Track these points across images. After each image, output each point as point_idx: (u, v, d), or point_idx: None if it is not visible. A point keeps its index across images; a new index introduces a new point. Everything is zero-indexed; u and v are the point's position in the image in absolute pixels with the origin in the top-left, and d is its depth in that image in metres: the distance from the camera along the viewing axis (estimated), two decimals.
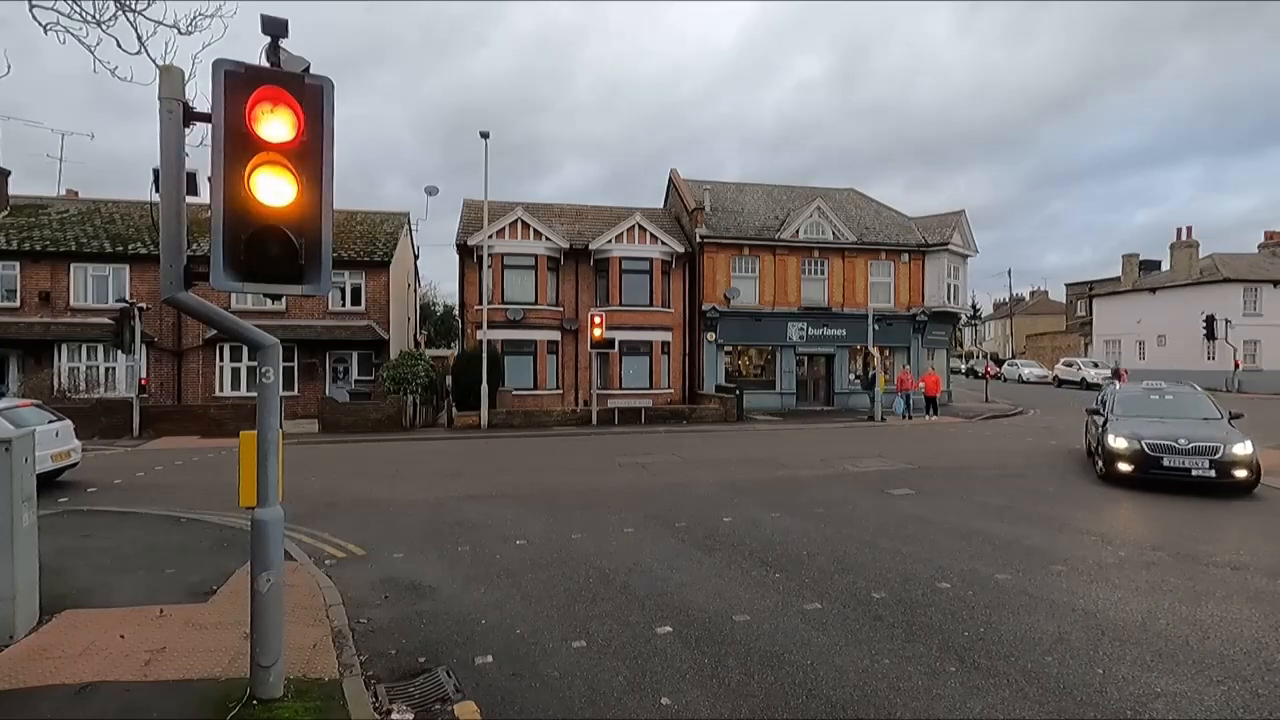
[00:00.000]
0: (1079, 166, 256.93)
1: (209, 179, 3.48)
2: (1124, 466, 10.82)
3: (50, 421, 11.21)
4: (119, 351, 20.42)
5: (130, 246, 24.06)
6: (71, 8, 4.72)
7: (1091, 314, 49.96)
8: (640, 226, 25.19)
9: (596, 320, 21.73)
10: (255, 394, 4.06)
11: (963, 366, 52.27)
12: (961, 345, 60.26)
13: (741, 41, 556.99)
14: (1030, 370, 44.74)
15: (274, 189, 3.52)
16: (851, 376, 27.33)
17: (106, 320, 20.61)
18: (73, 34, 4.79)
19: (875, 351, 25.20)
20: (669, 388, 25.76)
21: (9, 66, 4.97)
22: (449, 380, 23.91)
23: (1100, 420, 12.43)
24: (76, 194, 28.84)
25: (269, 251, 3.53)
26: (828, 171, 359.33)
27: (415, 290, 37.32)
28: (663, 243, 25.43)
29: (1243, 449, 10.35)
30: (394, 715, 4.04)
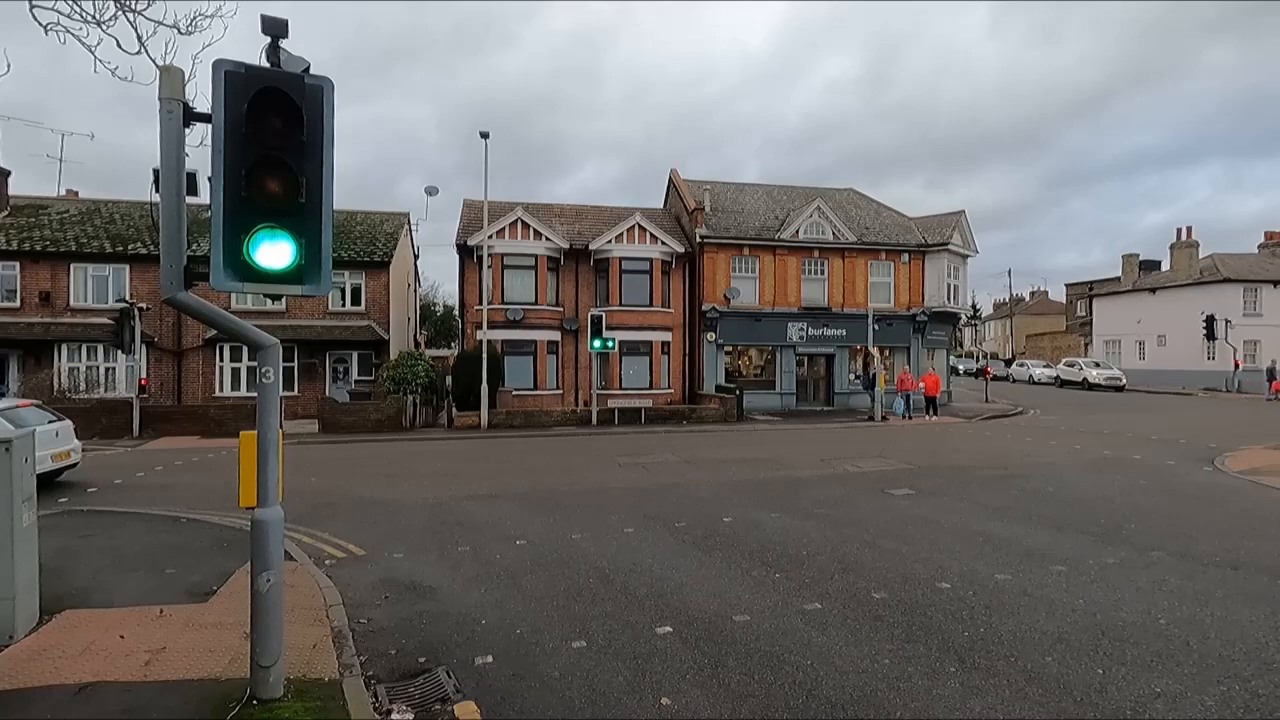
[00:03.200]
0: (1097, 167, 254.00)
1: (209, 179, 3.48)
2: None
3: (50, 422, 11.21)
4: (119, 351, 20.41)
5: (130, 246, 24.06)
6: (72, 8, 4.72)
7: (1091, 314, 49.94)
8: (640, 226, 25.18)
9: (596, 319, 21.75)
10: (255, 394, 4.06)
11: (974, 366, 50.59)
12: (961, 345, 60.08)
13: (773, 41, 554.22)
14: (1042, 370, 44.32)
15: (274, 190, 3.52)
16: (852, 377, 27.32)
17: (106, 320, 20.62)
18: (73, 34, 4.79)
19: (875, 352, 25.20)
20: (669, 388, 25.76)
21: (9, 65, 4.97)
22: (449, 380, 23.91)
23: None
24: (77, 194, 28.84)
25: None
26: (846, 172, 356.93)
27: (415, 290, 37.33)
28: (663, 243, 25.43)
29: None
30: (394, 715, 4.04)
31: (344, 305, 25.57)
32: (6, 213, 24.91)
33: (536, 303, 24.49)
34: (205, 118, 3.52)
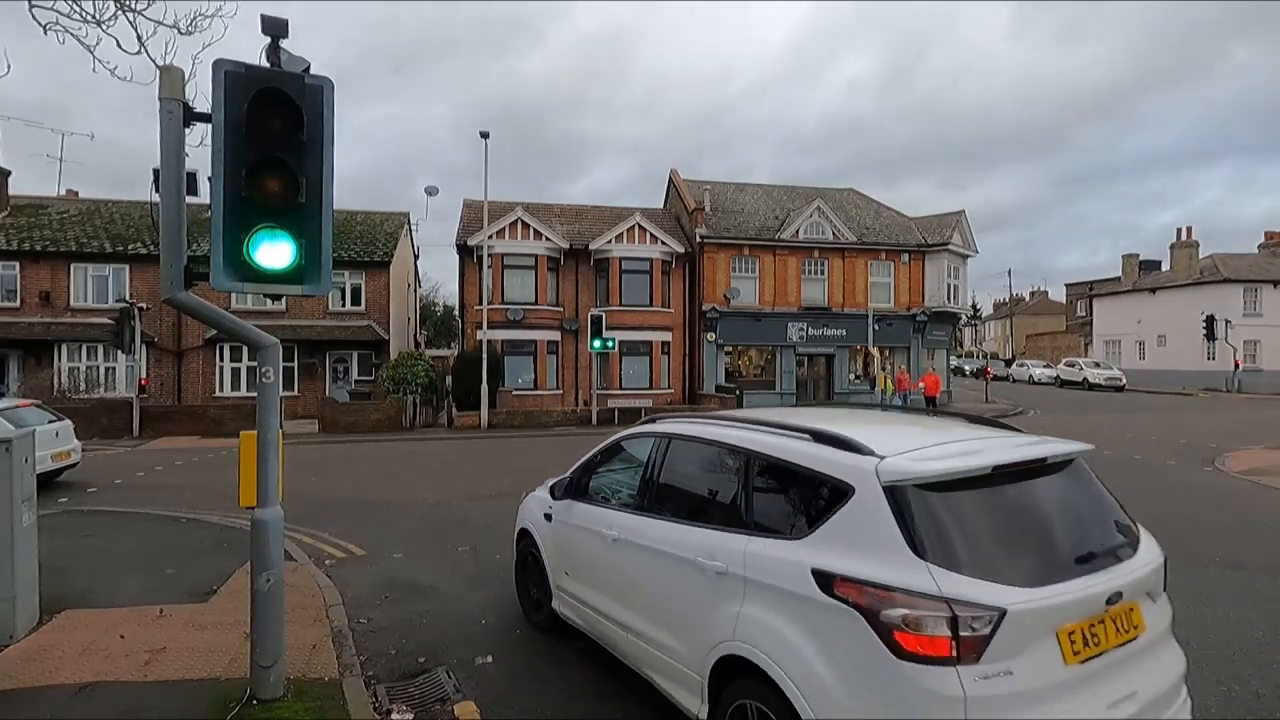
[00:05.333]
0: (1109, 168, 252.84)
1: (209, 179, 3.47)
2: None
3: (50, 421, 11.21)
4: (119, 351, 20.43)
5: (130, 246, 24.06)
6: (71, 8, 4.71)
7: (1091, 314, 49.93)
8: (640, 226, 25.19)
9: (596, 319, 21.76)
10: (255, 394, 4.06)
11: (976, 366, 48.28)
12: (961, 345, 60.03)
13: (794, 42, 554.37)
14: (1042, 371, 44.16)
15: (274, 190, 3.52)
16: (852, 377, 27.33)
17: (106, 320, 20.63)
18: (72, 34, 4.78)
19: (875, 352, 25.22)
20: (669, 388, 25.76)
21: (9, 66, 4.97)
22: (449, 380, 23.93)
23: None
24: (77, 194, 28.85)
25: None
26: (861, 171, 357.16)
27: (415, 290, 37.34)
28: (663, 243, 25.43)
29: None
30: (394, 715, 4.04)
31: (344, 305, 25.58)
32: (6, 213, 24.92)
33: (536, 303, 24.49)
34: (205, 118, 3.51)
